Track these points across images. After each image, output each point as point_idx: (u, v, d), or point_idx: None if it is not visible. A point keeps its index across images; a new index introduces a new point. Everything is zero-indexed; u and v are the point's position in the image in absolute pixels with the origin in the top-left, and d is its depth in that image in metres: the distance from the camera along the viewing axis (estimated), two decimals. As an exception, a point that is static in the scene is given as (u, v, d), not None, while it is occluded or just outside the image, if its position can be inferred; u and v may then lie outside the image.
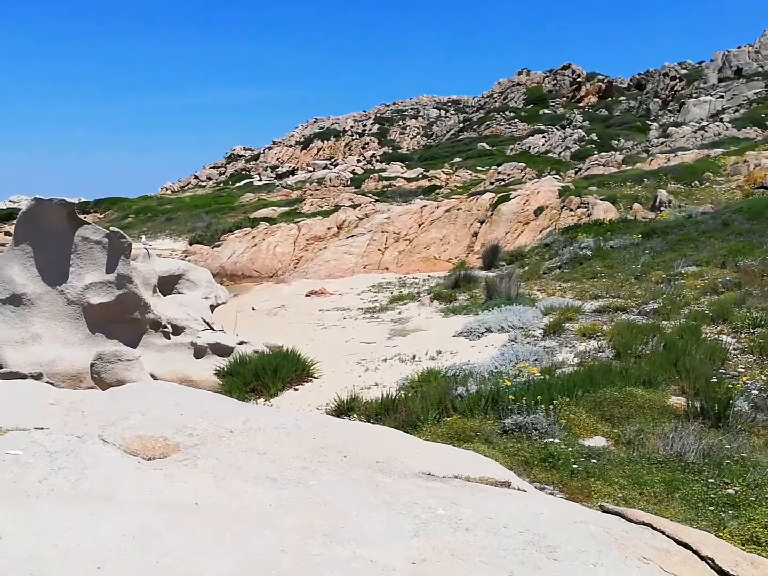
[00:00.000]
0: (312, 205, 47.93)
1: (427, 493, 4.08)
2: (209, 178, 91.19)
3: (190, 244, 38.59)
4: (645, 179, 31.89)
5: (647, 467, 5.91)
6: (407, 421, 7.21)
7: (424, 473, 4.59)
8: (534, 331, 12.65)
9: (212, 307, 12.69)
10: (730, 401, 7.12)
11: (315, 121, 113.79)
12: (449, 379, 9.24)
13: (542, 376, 8.65)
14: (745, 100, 69.32)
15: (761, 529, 4.46)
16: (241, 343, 11.48)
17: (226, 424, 4.76)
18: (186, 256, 31.76)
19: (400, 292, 20.49)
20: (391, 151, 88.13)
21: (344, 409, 8.21)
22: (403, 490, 4.07)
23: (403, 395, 8.38)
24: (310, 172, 73.82)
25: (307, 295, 21.60)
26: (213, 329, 11.79)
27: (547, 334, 12.24)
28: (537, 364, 9.98)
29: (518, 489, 4.93)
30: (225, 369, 10.63)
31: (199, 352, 10.97)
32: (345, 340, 14.31)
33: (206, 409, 5.09)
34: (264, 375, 10.22)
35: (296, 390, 10.46)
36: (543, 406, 7.06)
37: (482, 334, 13.06)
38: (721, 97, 72.37)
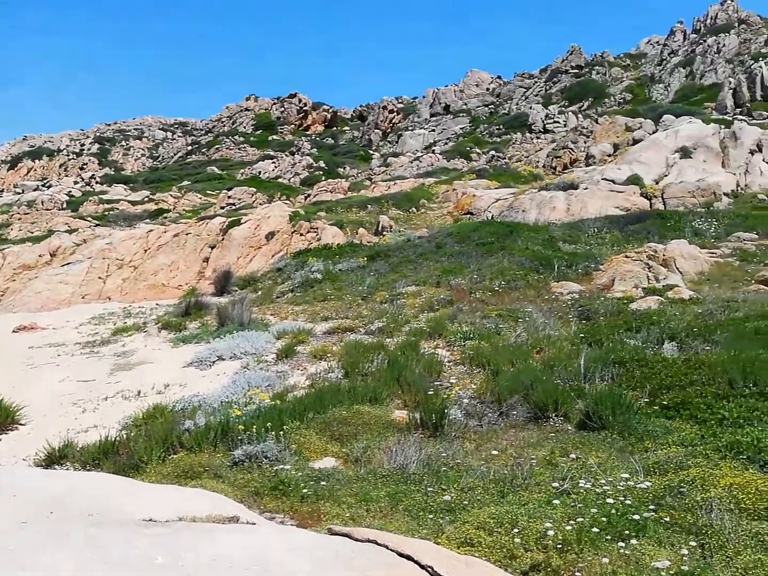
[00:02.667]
0: (21, 230, 43.40)
1: (147, 541, 3.77)
2: None
3: None
4: (369, 205, 33.77)
5: (373, 483, 6.10)
6: (129, 464, 6.68)
7: (144, 520, 4.25)
8: (267, 356, 12.61)
9: None
10: (445, 411, 7.68)
11: (24, 139, 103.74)
12: (177, 413, 8.80)
13: (273, 402, 8.61)
14: (453, 134, 77.03)
15: (474, 531, 4.79)
16: (-72, 391, 9.87)
17: None
18: None
19: (125, 323, 19.22)
20: (113, 172, 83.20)
21: (56, 458, 7.38)
22: (119, 542, 3.72)
23: (124, 436, 7.78)
24: (19, 194, 66.97)
25: (14, 332, 19.32)
26: None
27: (280, 358, 12.28)
28: (269, 389, 9.93)
29: (247, 522, 4.78)
30: None
31: None
32: (59, 379, 13.00)
33: None
34: (-43, 427, 8.88)
35: (-1, 440, 9.23)
36: (273, 432, 6.99)
37: (213, 362, 12.72)
38: (433, 130, 79.63)
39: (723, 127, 34.38)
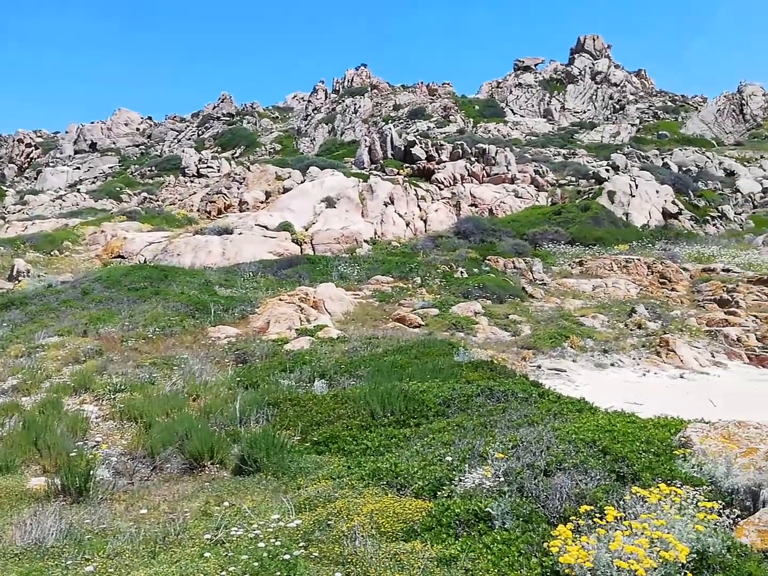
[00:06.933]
0: None
1: None
2: None
3: None
4: (2, 247, 30.21)
5: (2, 564, 5.30)
6: None
7: None
8: None
9: None
10: (91, 472, 7.05)
11: None
12: None
13: None
14: (101, 173, 73.06)
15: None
16: None
17: None
18: None
19: None
20: None
21: None
22: None
23: None
24: None
25: None
26: None
27: None
28: None
29: None
30: None
31: None
32: None
33: None
34: None
35: None
36: None
37: None
38: (78, 168, 74.63)
39: (361, 180, 38.07)
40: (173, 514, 6.04)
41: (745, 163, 51.55)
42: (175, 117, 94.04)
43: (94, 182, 67.87)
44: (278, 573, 4.33)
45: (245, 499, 6.22)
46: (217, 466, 7.69)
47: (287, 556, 4.50)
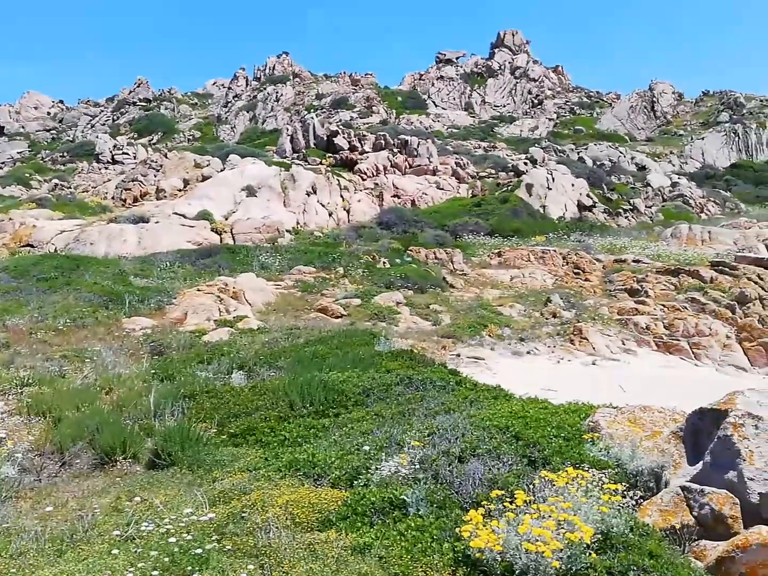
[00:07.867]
0: None
1: None
2: None
3: None
4: None
5: None
6: None
7: None
8: None
9: None
10: (-6, 470, 6.75)
11: None
12: None
13: None
14: (9, 159, 69.70)
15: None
16: None
17: None
18: None
19: None
20: None
21: None
22: None
23: None
24: None
25: None
26: None
27: None
28: None
29: None
30: None
31: None
32: None
33: None
34: None
35: None
36: None
37: None
38: (-16, 154, 70.97)
39: (283, 169, 37.64)
40: (82, 511, 5.84)
41: (656, 159, 53.78)
42: (88, 101, 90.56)
43: (1, 168, 64.67)
44: (189, 567, 4.25)
45: (158, 494, 6.07)
46: (130, 460, 7.48)
47: (199, 550, 4.43)
